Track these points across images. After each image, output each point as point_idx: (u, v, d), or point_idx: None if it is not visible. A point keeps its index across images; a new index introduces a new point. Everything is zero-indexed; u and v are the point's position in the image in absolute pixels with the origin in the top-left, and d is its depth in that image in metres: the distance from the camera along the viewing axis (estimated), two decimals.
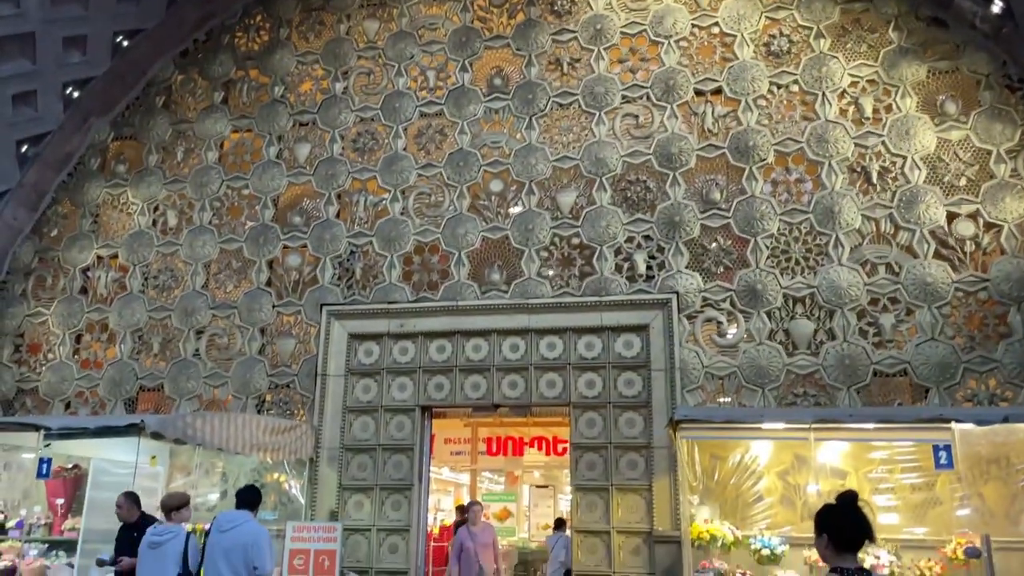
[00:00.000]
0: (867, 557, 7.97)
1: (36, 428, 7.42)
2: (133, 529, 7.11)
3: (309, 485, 10.40)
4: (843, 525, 3.17)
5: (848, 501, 3.22)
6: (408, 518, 10.24)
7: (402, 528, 10.20)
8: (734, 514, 9.14)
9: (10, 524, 9.55)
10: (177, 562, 5.99)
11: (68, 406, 11.49)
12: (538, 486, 20.22)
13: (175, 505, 6.40)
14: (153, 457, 8.24)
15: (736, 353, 9.88)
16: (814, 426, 6.59)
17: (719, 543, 8.32)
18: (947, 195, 9.93)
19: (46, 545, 9.23)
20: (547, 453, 19.73)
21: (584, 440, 10.09)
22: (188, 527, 8.50)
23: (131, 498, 7.34)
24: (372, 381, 10.80)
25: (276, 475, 10.72)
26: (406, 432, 10.57)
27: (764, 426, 7.22)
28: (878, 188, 10.13)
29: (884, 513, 8.79)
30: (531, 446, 19.80)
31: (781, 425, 7.01)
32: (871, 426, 6.62)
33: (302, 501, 10.29)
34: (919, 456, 8.85)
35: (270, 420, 9.76)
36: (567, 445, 20.04)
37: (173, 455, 10.22)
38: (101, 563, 7.28)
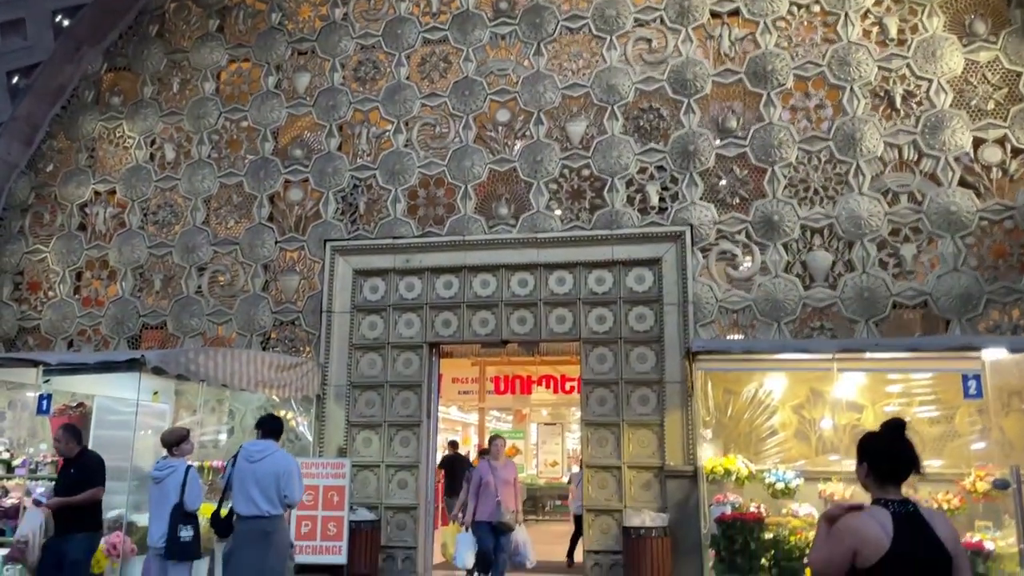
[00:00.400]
0: None
1: (35, 364, 7.23)
2: (70, 465, 6.68)
3: (316, 422, 10.29)
4: (886, 454, 2.91)
5: (893, 428, 2.95)
6: (417, 454, 10.15)
7: (411, 464, 10.12)
8: (747, 449, 9.01)
9: (16, 462, 9.46)
10: (176, 495, 5.92)
11: (71, 344, 11.34)
12: (546, 424, 20.25)
13: (174, 440, 6.29)
14: (155, 393, 8.08)
15: (751, 286, 9.61)
16: (838, 356, 6.33)
17: (733, 477, 8.19)
18: (974, 120, 9.52)
19: (52, 483, 9.16)
20: (555, 391, 19.69)
21: (595, 376, 9.91)
22: (196, 463, 8.42)
23: (69, 431, 6.80)
24: (378, 318, 10.60)
25: (283, 412, 10.61)
26: (414, 369, 10.40)
27: (784, 357, 6.97)
28: (902, 113, 9.71)
29: None
30: (539, 384, 19.74)
31: (802, 356, 6.77)
32: (897, 356, 6.35)
33: (310, 438, 10.19)
34: (937, 389, 8.67)
35: (275, 357, 9.59)
36: (575, 383, 20.06)
37: (179, 394, 10.09)
38: (37, 503, 6.94)
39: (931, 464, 8.43)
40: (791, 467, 8.63)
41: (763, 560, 5.95)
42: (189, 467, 6.13)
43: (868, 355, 6.48)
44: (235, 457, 5.72)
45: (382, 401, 10.37)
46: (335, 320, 10.58)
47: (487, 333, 10.32)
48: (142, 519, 7.66)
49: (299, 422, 10.45)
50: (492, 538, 8.27)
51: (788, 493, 8.31)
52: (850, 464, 8.94)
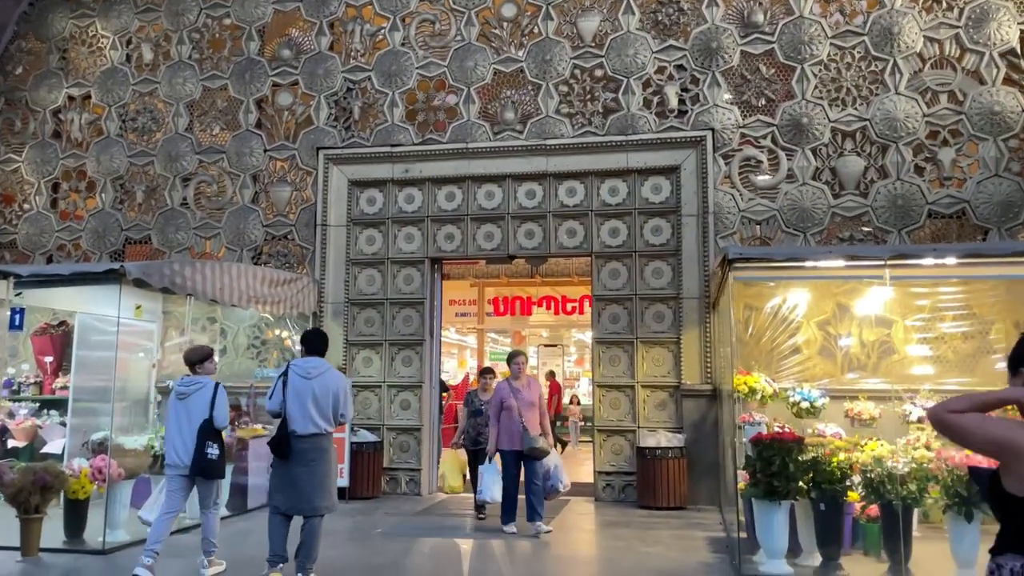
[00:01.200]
0: (913, 409, 7.41)
1: (4, 276, 6.60)
2: None
3: None
4: None
5: None
6: (420, 374, 9.67)
7: (414, 384, 9.66)
8: (768, 368, 8.53)
9: None
10: (204, 412, 5.63)
11: (50, 260, 10.71)
12: (546, 345, 19.86)
13: (198, 358, 5.93)
14: (138, 307, 7.49)
15: (776, 195, 8.99)
16: (890, 263, 5.76)
17: (758, 396, 7.73)
18: (1022, 12, 8.74)
19: (37, 404, 8.68)
20: (555, 312, 19.24)
21: (607, 292, 9.37)
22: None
23: None
24: (376, 232, 9.97)
25: (277, 331, 10.09)
26: (415, 286, 9.84)
27: (830, 264, 6.39)
28: (943, 5, 8.91)
29: (924, 365, 8.20)
30: (539, 306, 19.28)
31: (840, 263, 6.19)
32: (954, 262, 5.78)
33: None
34: (970, 301, 8.18)
35: (268, 271, 8.98)
36: (576, 304, 19.61)
37: (167, 314, 9.51)
38: None
39: (961, 381, 8.01)
40: (815, 385, 8.18)
41: (800, 483, 5.51)
42: (218, 384, 5.82)
43: (922, 261, 5.88)
44: (283, 376, 5.47)
45: (382, 319, 9.83)
46: (331, 234, 9.95)
47: (492, 248, 9.72)
48: (129, 441, 7.18)
49: (295, 341, 9.92)
50: (516, 468, 7.33)
51: (813, 412, 7.87)
52: (876, 383, 8.57)
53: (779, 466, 5.40)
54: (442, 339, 10.38)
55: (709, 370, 8.92)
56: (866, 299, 8.18)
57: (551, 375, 17.28)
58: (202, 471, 5.57)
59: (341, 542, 6.83)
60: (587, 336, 25.57)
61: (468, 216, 9.74)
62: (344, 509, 8.46)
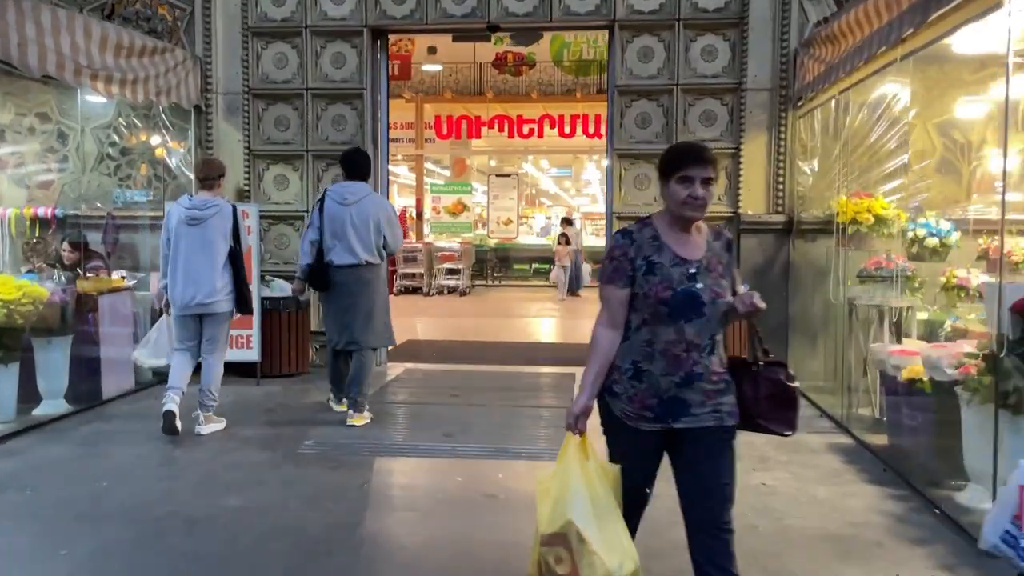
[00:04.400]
0: None
1: None
2: None
3: (199, 150, 6.61)
4: None
5: None
6: None
7: None
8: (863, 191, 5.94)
9: None
10: (227, 238, 4.84)
11: None
12: (499, 175, 16.89)
13: (215, 173, 4.95)
14: None
15: None
16: None
17: (891, 229, 5.16)
18: None
19: None
20: (509, 135, 16.21)
21: (633, 81, 6.47)
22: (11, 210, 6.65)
23: None
24: None
25: (144, 136, 6.85)
26: (348, 70, 6.69)
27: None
28: None
29: None
30: (490, 127, 16.18)
31: None
32: None
33: (189, 175, 6.49)
34: None
35: (118, 30, 5.59)
36: (534, 125, 16.58)
37: None
38: None
39: None
40: (936, 215, 5.65)
41: None
42: (235, 206, 5.02)
43: None
44: (321, 201, 5.12)
45: (301, 120, 6.73)
46: None
47: (464, 15, 6.57)
48: None
49: (170, 151, 6.74)
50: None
51: (941, 253, 5.38)
52: None
53: None
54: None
55: (781, 194, 6.28)
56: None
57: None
58: (246, 307, 4.95)
59: (250, 472, 4.10)
60: (548, 169, 22.57)
61: None
62: (254, 396, 5.73)
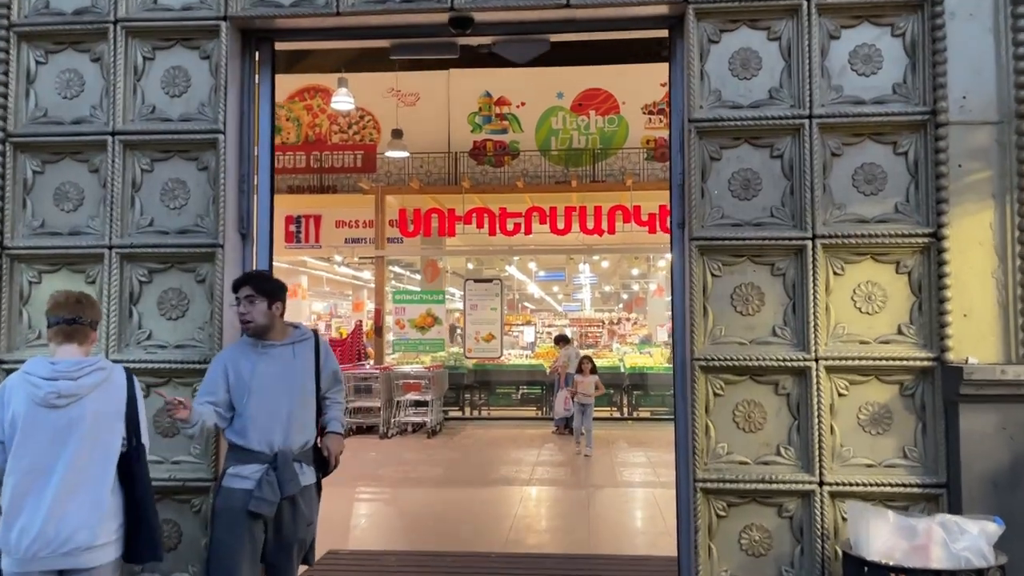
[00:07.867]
0: None
1: None
2: None
3: None
4: None
5: None
6: (208, 340, 3.54)
7: (186, 368, 3.52)
8: None
9: None
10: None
11: None
12: (478, 280, 13.73)
13: (87, 319, 2.86)
14: None
15: None
16: None
17: None
18: None
19: None
20: (491, 232, 13.23)
21: (724, 111, 3.46)
22: None
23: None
24: None
25: None
26: (194, 98, 3.65)
27: None
28: None
29: None
30: (467, 223, 13.22)
31: None
32: None
33: None
34: None
35: None
36: (520, 219, 13.67)
37: None
38: None
39: None
40: None
41: None
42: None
43: None
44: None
45: (104, 190, 3.63)
46: None
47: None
48: None
49: None
50: None
51: None
52: None
53: None
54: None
55: None
56: None
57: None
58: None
59: None
60: (536, 272, 19.56)
61: None
62: None
